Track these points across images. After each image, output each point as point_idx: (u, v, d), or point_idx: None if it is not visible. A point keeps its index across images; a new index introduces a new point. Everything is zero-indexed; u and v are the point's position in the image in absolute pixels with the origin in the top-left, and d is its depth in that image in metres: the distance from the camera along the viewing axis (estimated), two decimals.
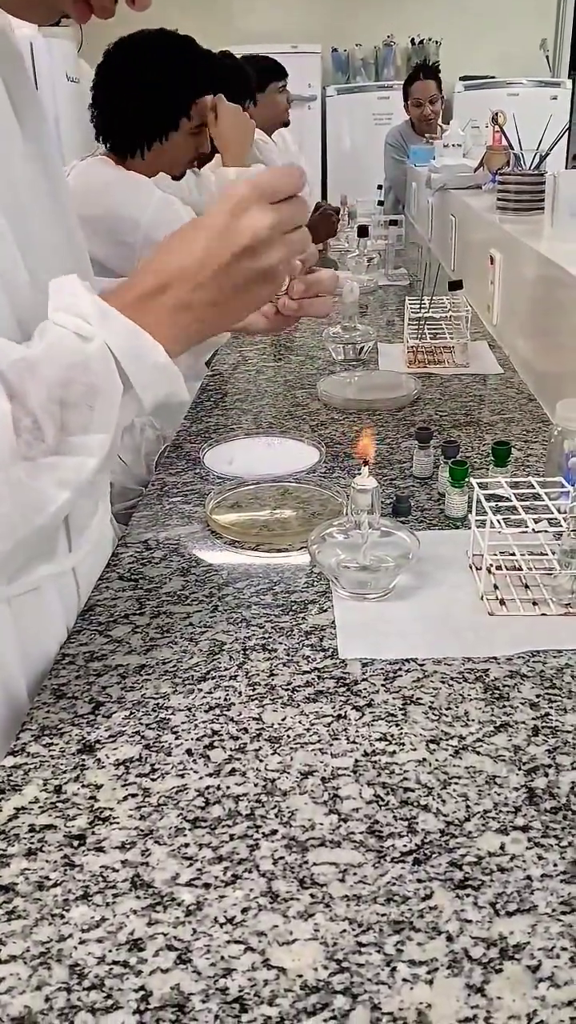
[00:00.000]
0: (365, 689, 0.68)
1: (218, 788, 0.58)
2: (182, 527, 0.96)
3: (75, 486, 0.60)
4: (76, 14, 0.68)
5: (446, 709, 0.65)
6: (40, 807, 0.57)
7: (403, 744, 0.61)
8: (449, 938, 0.47)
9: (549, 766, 0.59)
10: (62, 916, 0.49)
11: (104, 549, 0.89)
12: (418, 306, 1.63)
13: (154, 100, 1.72)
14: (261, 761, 0.60)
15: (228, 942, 0.47)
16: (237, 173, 2.00)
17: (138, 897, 0.50)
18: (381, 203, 3.39)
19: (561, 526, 0.79)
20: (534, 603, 0.78)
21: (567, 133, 1.89)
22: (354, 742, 0.62)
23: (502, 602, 0.78)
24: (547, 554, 0.83)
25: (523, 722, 0.63)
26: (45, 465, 0.59)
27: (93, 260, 1.74)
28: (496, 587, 0.80)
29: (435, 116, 4.15)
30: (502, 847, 0.52)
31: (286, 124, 3.42)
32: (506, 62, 5.67)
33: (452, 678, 0.69)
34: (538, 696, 0.66)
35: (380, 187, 4.12)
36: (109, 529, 0.93)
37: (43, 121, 0.77)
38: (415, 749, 0.61)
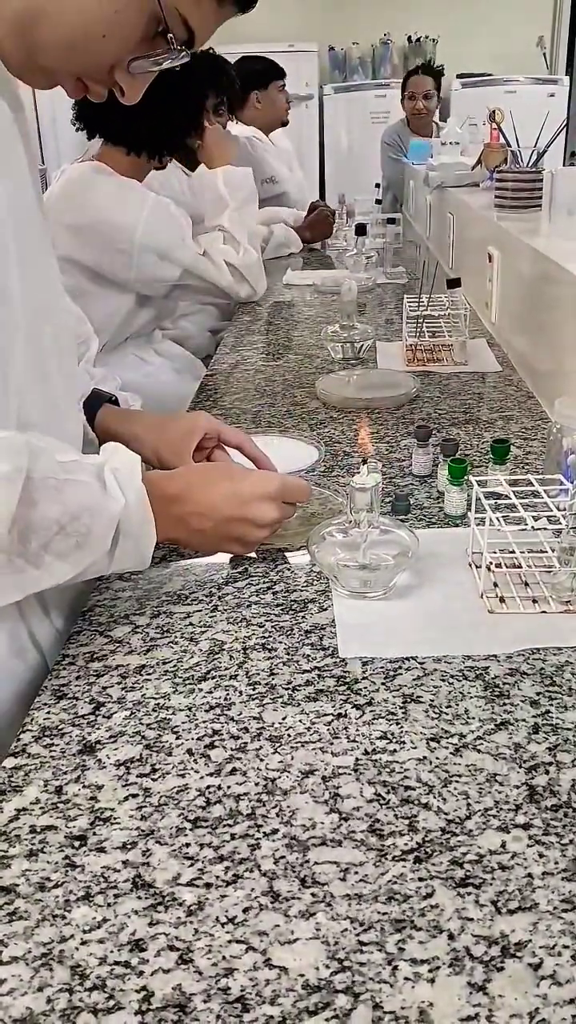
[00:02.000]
0: (365, 688, 0.68)
1: (219, 788, 0.58)
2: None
3: (23, 593, 0.69)
4: (71, 91, 0.73)
5: (446, 707, 0.65)
6: (41, 808, 0.57)
7: (404, 742, 0.61)
8: (451, 936, 0.47)
9: (550, 763, 0.59)
10: (63, 917, 0.49)
11: None
12: (416, 304, 1.63)
13: (182, 104, 1.74)
14: (262, 760, 0.60)
15: (229, 942, 0.47)
16: (224, 174, 2.01)
17: (139, 897, 0.50)
18: (379, 202, 3.39)
19: (560, 523, 0.79)
20: (534, 601, 0.78)
21: (564, 130, 1.89)
22: (355, 741, 0.62)
23: (502, 600, 0.78)
24: (546, 551, 0.83)
25: (523, 720, 0.63)
26: (11, 565, 0.66)
27: (84, 267, 1.75)
28: (496, 585, 0.80)
29: (427, 113, 4.16)
30: (503, 845, 0.52)
31: (285, 124, 3.43)
32: (503, 60, 5.66)
33: (452, 676, 0.69)
34: (538, 694, 0.66)
35: (378, 185, 4.12)
36: None
37: (28, 146, 0.78)
38: (416, 747, 0.61)
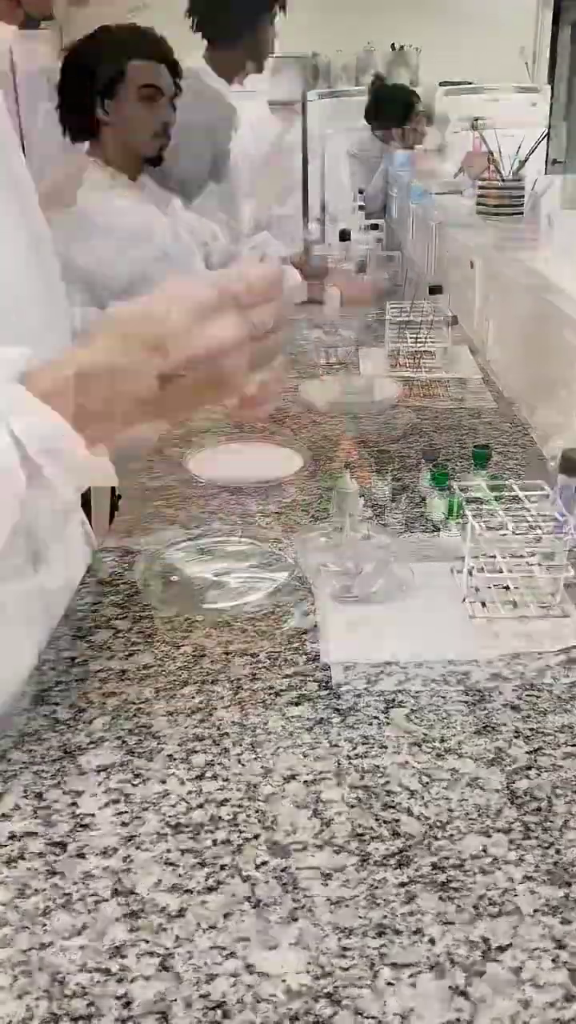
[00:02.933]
0: (347, 692, 0.68)
1: (200, 793, 0.58)
2: (163, 531, 0.95)
3: None
4: (9, 19, 0.66)
5: (428, 712, 0.65)
6: (21, 814, 0.56)
7: (385, 747, 0.61)
8: (432, 941, 0.47)
9: (530, 768, 0.59)
10: (43, 924, 0.48)
11: (76, 565, 0.87)
12: (399, 310, 1.64)
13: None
14: (243, 765, 0.60)
15: (211, 948, 0.46)
16: None
17: (120, 904, 0.49)
18: (362, 207, 3.40)
19: (540, 529, 0.80)
20: (515, 606, 0.78)
21: (546, 139, 1.90)
22: (336, 746, 0.62)
23: (483, 605, 0.79)
24: (527, 557, 0.83)
25: (504, 724, 0.64)
26: None
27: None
28: (477, 590, 0.80)
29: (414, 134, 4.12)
30: (484, 849, 0.53)
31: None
32: (486, 68, 5.70)
33: (434, 681, 0.69)
34: (519, 698, 0.67)
35: (361, 191, 4.13)
36: (81, 543, 0.91)
37: (11, 138, 0.76)
38: (397, 752, 0.61)
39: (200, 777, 0.59)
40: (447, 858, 0.52)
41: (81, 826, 0.55)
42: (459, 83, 5.52)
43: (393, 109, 3.82)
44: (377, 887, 0.50)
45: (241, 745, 0.62)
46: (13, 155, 0.76)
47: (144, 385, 0.56)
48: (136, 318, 0.57)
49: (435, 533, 0.93)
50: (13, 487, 0.54)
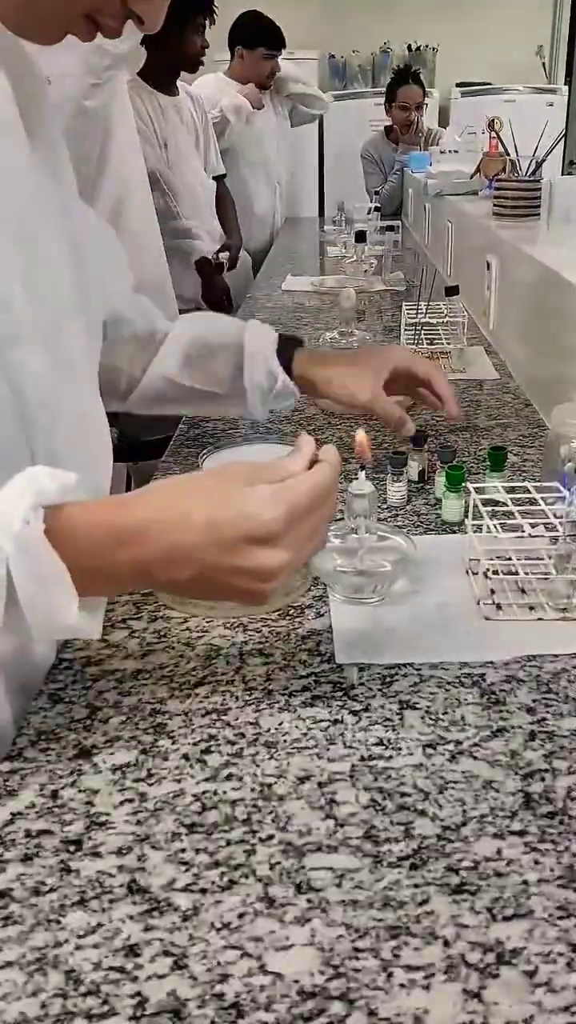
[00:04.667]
0: (361, 694, 0.68)
1: (215, 793, 0.58)
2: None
3: None
4: (82, 35, 0.66)
5: (442, 714, 0.65)
6: (36, 812, 0.56)
7: (400, 749, 0.61)
8: (446, 943, 0.46)
9: (546, 771, 0.59)
10: (58, 922, 0.48)
11: None
12: (415, 312, 1.64)
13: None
14: (258, 766, 0.60)
15: (224, 947, 0.47)
16: None
17: (134, 902, 0.50)
18: (378, 209, 3.40)
19: (557, 531, 0.79)
20: (530, 608, 0.78)
21: (563, 139, 1.89)
22: (351, 747, 0.62)
23: (498, 607, 0.78)
24: (543, 559, 0.83)
25: (520, 727, 0.63)
26: None
27: None
28: (492, 592, 0.80)
29: (417, 124, 4.13)
30: (499, 852, 0.52)
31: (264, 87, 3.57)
32: (502, 69, 5.68)
33: (448, 683, 0.69)
34: (535, 701, 0.66)
35: (377, 192, 4.13)
36: None
37: (54, 130, 0.77)
38: (412, 754, 0.61)
39: (214, 777, 0.59)
40: (461, 860, 0.52)
41: (96, 825, 0.55)
42: (476, 84, 5.51)
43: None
44: (391, 889, 0.50)
45: (255, 745, 0.62)
46: (60, 157, 0.77)
47: (181, 570, 0.55)
48: (207, 504, 0.56)
49: (450, 534, 0.93)
50: None
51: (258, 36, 3.47)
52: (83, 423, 0.77)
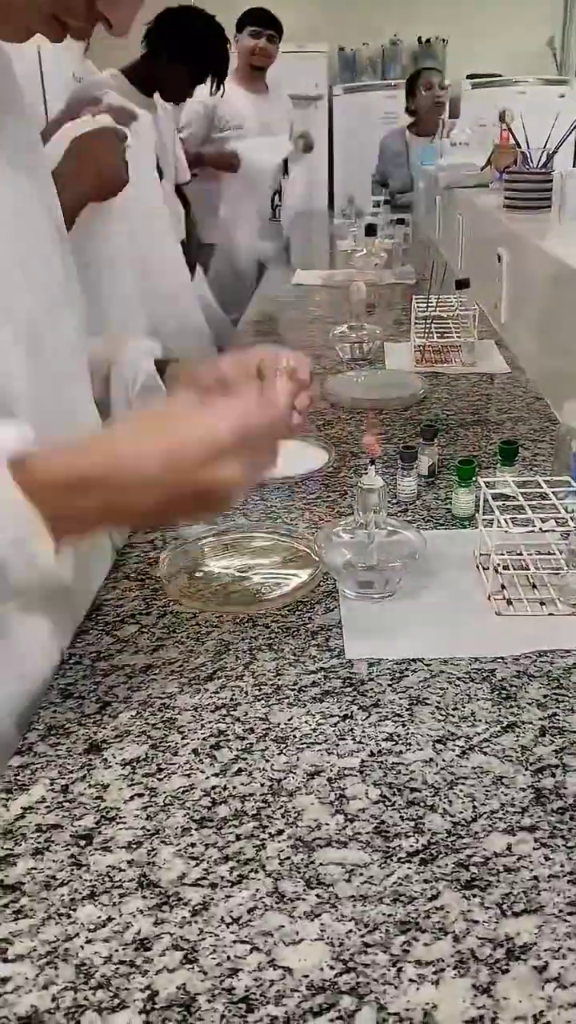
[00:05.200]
0: (372, 689, 0.67)
1: (224, 788, 0.58)
2: (188, 526, 0.96)
3: None
4: (50, 35, 0.66)
5: (453, 709, 0.65)
6: (47, 807, 0.57)
7: (410, 744, 0.61)
8: (456, 938, 0.46)
9: (556, 766, 0.59)
10: (69, 915, 0.49)
11: (102, 561, 0.88)
12: (425, 305, 1.63)
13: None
14: (267, 761, 0.60)
15: (234, 942, 0.47)
16: None
17: (144, 897, 0.50)
18: (388, 201, 3.39)
19: (568, 526, 0.79)
20: (541, 603, 0.78)
21: (574, 131, 1.88)
22: (361, 742, 0.62)
23: (509, 602, 0.78)
24: (554, 554, 0.82)
25: (530, 722, 0.63)
26: None
27: None
28: (503, 587, 0.80)
29: (444, 105, 4.12)
30: (509, 847, 0.52)
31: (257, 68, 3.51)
32: (513, 61, 5.64)
33: (459, 678, 0.69)
34: (545, 696, 0.66)
35: (386, 186, 4.12)
36: (106, 540, 0.91)
37: (34, 136, 0.77)
38: (422, 749, 0.61)
39: (224, 772, 0.59)
40: (472, 856, 0.52)
41: (106, 819, 0.55)
42: (486, 75, 5.47)
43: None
44: (401, 884, 0.50)
45: (265, 740, 0.62)
46: (42, 159, 0.78)
47: (146, 501, 0.58)
48: (155, 433, 0.59)
49: (461, 528, 0.93)
50: None
51: (244, 18, 3.43)
52: (70, 418, 0.78)
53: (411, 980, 0.44)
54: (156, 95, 2.51)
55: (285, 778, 0.58)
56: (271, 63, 3.54)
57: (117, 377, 0.91)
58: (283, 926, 0.47)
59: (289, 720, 0.64)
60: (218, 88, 2.62)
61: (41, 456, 0.57)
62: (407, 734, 0.62)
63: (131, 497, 0.58)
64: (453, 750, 0.61)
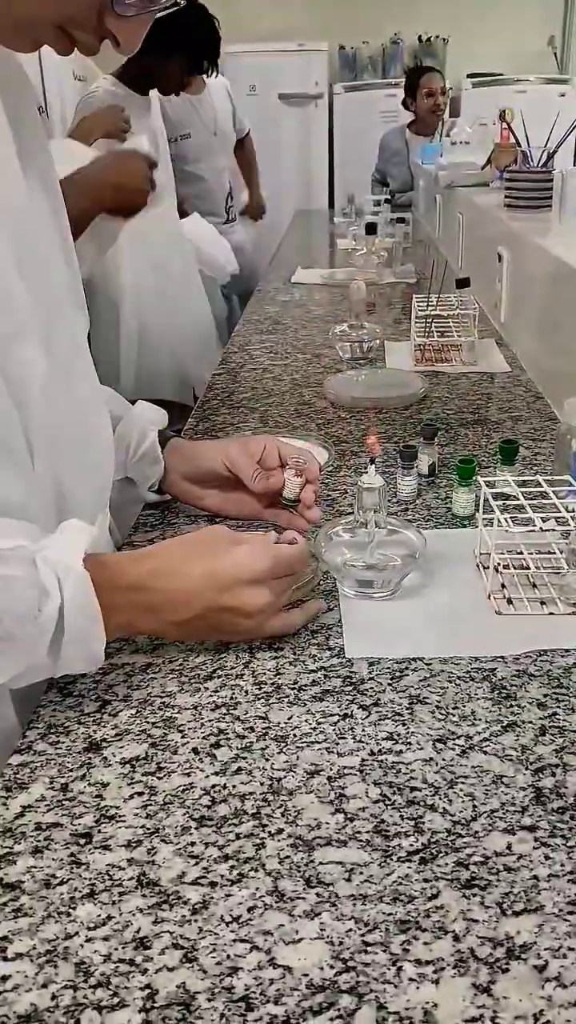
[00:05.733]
0: (372, 688, 0.67)
1: (224, 787, 0.58)
2: (188, 525, 0.96)
3: None
4: (57, 47, 0.67)
5: (453, 708, 0.65)
6: (47, 805, 0.57)
7: (410, 743, 0.61)
8: (456, 938, 0.46)
9: (556, 766, 0.59)
10: (68, 914, 0.49)
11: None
12: (425, 304, 1.63)
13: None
14: (267, 760, 0.60)
15: (234, 941, 0.47)
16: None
17: (144, 895, 0.50)
18: (388, 200, 3.38)
19: (569, 525, 0.79)
20: (542, 602, 0.78)
21: (575, 130, 1.88)
22: (360, 741, 0.62)
23: (509, 601, 0.78)
24: (555, 553, 0.82)
25: (530, 722, 0.63)
26: None
27: None
28: (503, 586, 0.79)
29: (442, 111, 4.12)
30: (509, 847, 0.52)
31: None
32: (514, 59, 5.64)
33: (459, 677, 0.68)
34: (545, 696, 0.66)
35: (387, 185, 4.12)
36: (106, 537, 0.91)
37: (43, 140, 0.77)
38: (422, 748, 0.61)
39: (224, 771, 0.59)
40: (472, 855, 0.52)
41: (106, 818, 0.55)
42: (487, 74, 5.47)
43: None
44: (401, 883, 0.50)
45: (265, 739, 0.62)
46: (48, 161, 0.78)
47: (184, 613, 0.68)
48: (202, 555, 0.69)
49: (461, 528, 0.93)
50: (31, 657, 0.62)
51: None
52: (82, 415, 0.79)
53: (411, 979, 0.44)
54: (153, 92, 2.53)
55: (285, 777, 0.58)
56: None
57: (121, 439, 0.93)
58: (283, 925, 0.47)
59: (289, 719, 0.64)
60: (212, 72, 2.64)
61: (103, 556, 0.68)
62: (407, 733, 0.62)
63: (173, 607, 0.68)
64: (453, 749, 0.61)
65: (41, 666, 0.63)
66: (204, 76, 2.96)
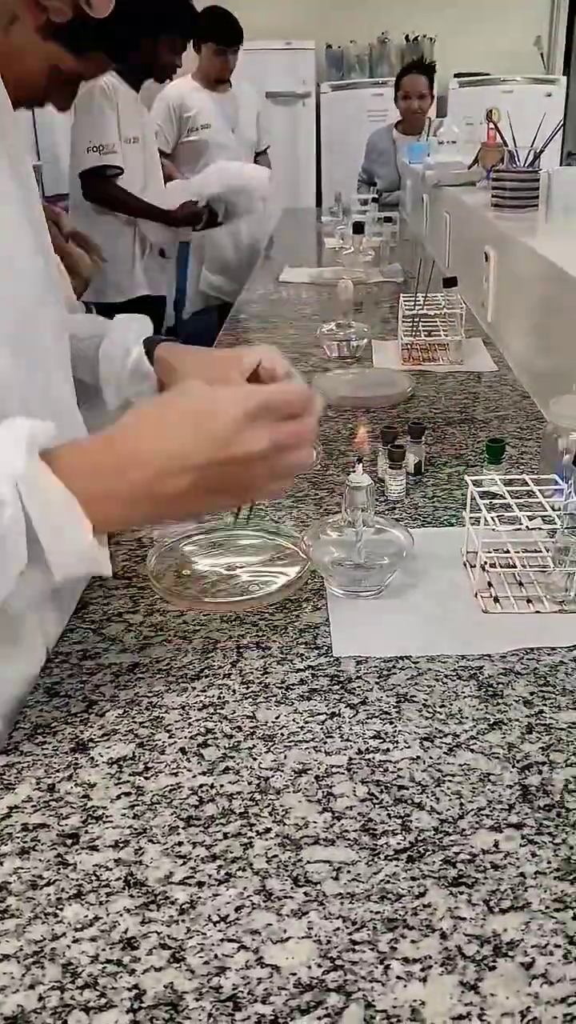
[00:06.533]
0: (359, 687, 0.67)
1: (212, 786, 0.58)
2: (175, 524, 0.95)
3: None
4: (31, 17, 0.67)
5: (440, 707, 0.65)
6: (33, 806, 0.56)
7: (397, 742, 0.61)
8: (443, 935, 0.47)
9: (543, 763, 0.59)
10: (55, 915, 0.48)
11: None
12: (412, 303, 1.63)
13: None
14: (255, 759, 0.60)
15: (222, 940, 0.47)
16: None
17: (131, 896, 0.50)
18: (376, 199, 3.39)
19: (555, 523, 0.79)
20: (528, 601, 0.78)
21: (561, 130, 1.89)
22: (348, 740, 0.62)
23: (496, 599, 0.78)
24: (541, 551, 0.83)
25: (517, 720, 0.63)
26: None
27: None
28: (490, 584, 0.80)
29: (422, 113, 4.12)
30: (496, 844, 0.52)
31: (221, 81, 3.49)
32: (500, 59, 5.66)
33: (446, 676, 0.69)
34: (532, 694, 0.66)
35: (374, 184, 4.12)
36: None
37: (18, 138, 0.77)
38: (409, 747, 0.61)
39: (211, 771, 0.59)
40: (459, 853, 0.52)
41: (93, 818, 0.55)
42: (474, 74, 5.49)
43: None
44: (388, 881, 0.50)
45: (253, 739, 0.62)
46: (24, 153, 0.77)
47: (179, 482, 0.58)
48: (182, 412, 0.60)
49: (448, 527, 0.93)
50: (14, 561, 0.55)
51: (209, 31, 3.28)
52: (53, 412, 0.77)
53: (398, 977, 0.44)
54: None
55: (272, 776, 0.58)
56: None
57: (106, 356, 0.89)
58: (270, 924, 0.47)
59: (276, 718, 0.64)
60: (196, 46, 2.71)
61: (70, 445, 0.58)
62: (394, 732, 0.62)
63: (164, 477, 0.58)
64: (440, 747, 0.61)
65: (37, 579, 0.57)
66: (229, 82, 3.04)
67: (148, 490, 0.59)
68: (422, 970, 0.45)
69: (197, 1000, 0.43)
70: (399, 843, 0.53)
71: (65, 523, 0.56)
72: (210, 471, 0.59)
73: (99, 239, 2.11)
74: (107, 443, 0.60)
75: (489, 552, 0.82)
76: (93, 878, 0.51)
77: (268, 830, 0.54)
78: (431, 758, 0.60)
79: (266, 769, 0.59)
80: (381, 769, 0.59)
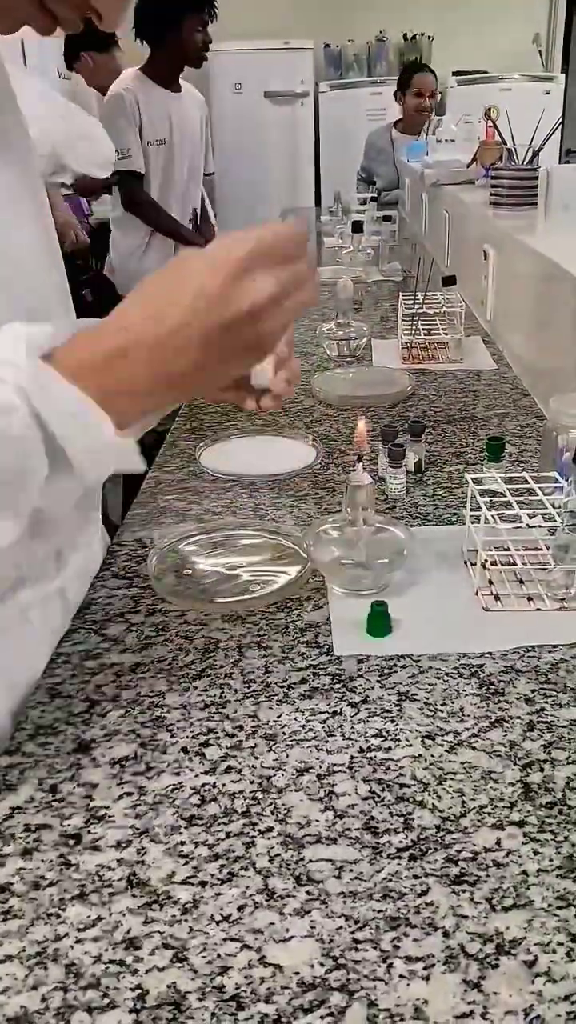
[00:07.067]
0: (360, 685, 0.67)
1: (214, 786, 0.58)
2: (177, 524, 0.96)
3: None
4: (39, 26, 0.64)
5: (441, 705, 0.65)
6: (35, 806, 0.56)
7: (398, 740, 0.61)
8: (445, 934, 0.47)
9: (545, 761, 0.59)
10: (58, 915, 0.48)
11: (93, 561, 0.87)
12: (412, 302, 1.63)
13: None
14: (257, 758, 0.60)
15: (224, 940, 0.47)
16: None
17: (134, 896, 0.50)
18: (375, 199, 3.38)
19: (555, 521, 0.79)
20: (529, 598, 0.78)
21: (560, 128, 1.88)
22: (349, 738, 0.62)
23: (497, 597, 0.78)
24: (541, 549, 0.83)
25: (518, 717, 0.63)
26: None
27: None
28: (491, 582, 0.80)
29: (430, 111, 4.12)
30: (498, 842, 0.52)
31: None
32: (499, 57, 5.65)
33: (447, 674, 0.69)
34: (533, 691, 0.66)
35: (373, 183, 4.12)
36: (99, 544, 0.90)
37: (19, 126, 0.76)
38: (410, 745, 0.61)
39: (213, 770, 0.59)
40: (461, 851, 0.52)
41: (95, 818, 0.55)
42: (472, 72, 5.48)
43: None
44: (391, 880, 0.50)
45: (254, 738, 0.62)
46: (21, 131, 0.76)
47: (189, 353, 0.55)
48: (170, 284, 0.56)
49: (448, 525, 0.93)
50: (34, 469, 0.53)
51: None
52: None
53: (401, 976, 0.44)
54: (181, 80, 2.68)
55: (274, 775, 0.58)
56: None
57: None
58: (273, 923, 0.47)
59: (278, 717, 0.64)
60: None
61: (66, 345, 0.55)
62: (396, 730, 0.62)
63: (172, 352, 0.54)
64: (442, 745, 0.61)
65: (68, 488, 0.55)
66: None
67: (156, 367, 0.55)
68: (425, 968, 0.45)
69: (200, 1000, 0.43)
70: (401, 841, 0.53)
71: (81, 419, 0.53)
72: (220, 337, 0.55)
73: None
74: (102, 336, 0.56)
75: (489, 550, 0.82)
76: (96, 878, 0.51)
77: (270, 829, 0.54)
78: (433, 756, 0.60)
79: (268, 768, 0.59)
80: (383, 767, 0.59)
